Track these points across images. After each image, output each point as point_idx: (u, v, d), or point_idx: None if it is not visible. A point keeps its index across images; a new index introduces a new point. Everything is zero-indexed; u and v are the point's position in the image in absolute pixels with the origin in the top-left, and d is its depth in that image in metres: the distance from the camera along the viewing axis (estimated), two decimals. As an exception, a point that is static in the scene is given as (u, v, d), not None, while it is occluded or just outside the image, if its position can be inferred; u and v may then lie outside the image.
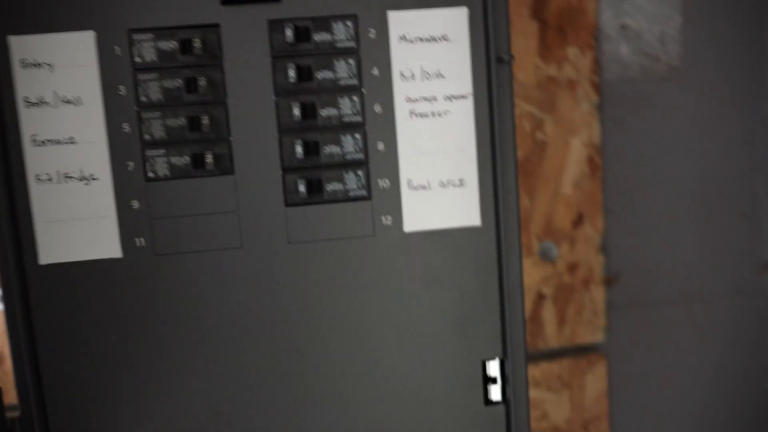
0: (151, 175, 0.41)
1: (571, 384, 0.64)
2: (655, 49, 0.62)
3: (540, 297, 0.62)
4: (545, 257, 0.62)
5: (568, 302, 0.63)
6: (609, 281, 0.64)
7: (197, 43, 0.40)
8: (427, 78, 0.42)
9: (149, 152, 0.40)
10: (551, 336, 0.62)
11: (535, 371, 0.62)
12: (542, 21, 0.59)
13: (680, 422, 0.69)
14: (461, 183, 0.44)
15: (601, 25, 0.61)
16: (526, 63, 0.59)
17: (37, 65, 0.42)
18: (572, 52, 0.60)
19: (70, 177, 0.42)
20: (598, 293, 0.63)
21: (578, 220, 0.62)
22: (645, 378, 0.67)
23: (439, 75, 0.42)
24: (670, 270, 0.65)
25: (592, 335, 0.63)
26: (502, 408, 0.46)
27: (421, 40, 0.41)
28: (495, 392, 0.47)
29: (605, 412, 0.65)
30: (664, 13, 0.61)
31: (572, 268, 0.62)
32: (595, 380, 0.64)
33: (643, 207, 0.64)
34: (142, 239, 0.41)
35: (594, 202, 0.62)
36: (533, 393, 0.62)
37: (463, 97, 0.42)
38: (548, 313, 0.62)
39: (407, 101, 0.42)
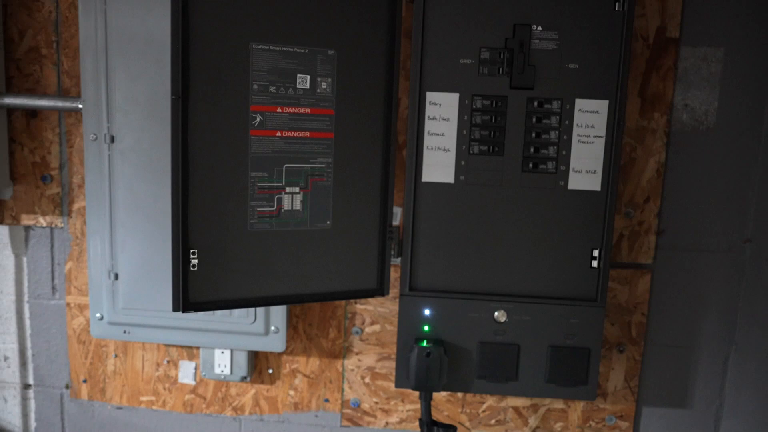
0: (472, 152, 1.05)
1: (631, 281, 1.25)
2: (701, 118, 1.21)
3: (621, 236, 1.24)
4: (627, 216, 1.23)
5: (636, 240, 1.24)
6: (659, 233, 1.24)
7: (497, 103, 1.03)
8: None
9: (471, 144, 1.04)
10: (624, 256, 1.24)
11: (612, 273, 1.24)
12: (642, 98, 1.20)
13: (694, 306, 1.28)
14: (595, 172, 1.05)
15: (674, 102, 1.21)
16: (631, 119, 1.20)
17: (433, 104, 1.06)
18: (656, 114, 1.20)
19: (438, 149, 1.06)
20: (652, 239, 1.23)
21: (647, 200, 1.22)
22: (670, 285, 1.27)
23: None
24: (691, 230, 1.24)
25: (645, 259, 1.24)
26: (597, 271, 1.08)
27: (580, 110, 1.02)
28: (594, 263, 1.08)
29: (647, 300, 1.26)
30: (708, 100, 1.20)
31: (640, 223, 1.23)
32: (644, 283, 1.25)
33: (681, 197, 1.23)
34: (462, 177, 1.06)
35: (656, 192, 1.22)
36: (610, 284, 1.24)
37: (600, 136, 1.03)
38: (624, 243, 1.24)
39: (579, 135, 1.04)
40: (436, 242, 1.09)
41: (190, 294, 0.96)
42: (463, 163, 1.07)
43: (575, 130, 1.06)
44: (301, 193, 1.01)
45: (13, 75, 1.28)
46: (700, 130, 1.22)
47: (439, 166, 1.07)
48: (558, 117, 1.05)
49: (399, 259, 1.11)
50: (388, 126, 1.06)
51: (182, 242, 0.94)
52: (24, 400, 1.44)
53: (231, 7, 0.92)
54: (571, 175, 1.07)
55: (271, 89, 0.96)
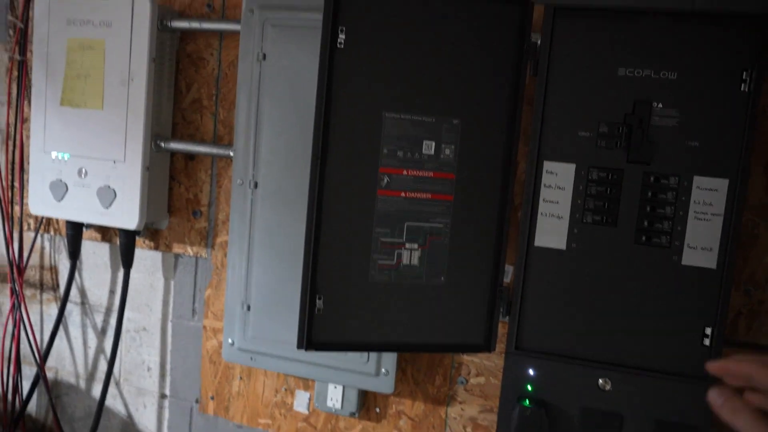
0: (586, 221, 1.08)
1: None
2: (835, 198, 1.17)
3: (739, 313, 1.21)
4: (746, 294, 1.20)
5: (755, 319, 1.21)
6: (781, 313, 1.20)
7: (613, 175, 1.06)
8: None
9: (585, 213, 1.08)
10: (741, 334, 1.21)
11: (728, 351, 1.21)
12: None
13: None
14: (711, 249, 1.05)
15: (805, 181, 1.18)
16: (756, 195, 1.18)
17: (550, 173, 1.11)
18: (784, 192, 1.18)
19: (552, 216, 1.11)
20: (773, 319, 1.20)
21: (769, 278, 1.20)
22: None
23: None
24: (821, 317, 1.19)
25: (765, 340, 1.21)
26: (708, 348, 1.07)
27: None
28: (706, 341, 1.07)
29: None
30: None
31: (760, 302, 1.20)
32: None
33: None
34: (574, 244, 1.09)
35: (780, 271, 1.19)
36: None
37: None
38: (742, 321, 1.21)
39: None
40: (545, 305, 1.13)
41: (314, 334, 1.07)
42: (575, 231, 1.11)
43: (692, 207, 1.07)
44: (420, 249, 1.09)
45: (178, 122, 1.47)
46: (832, 211, 1.18)
47: (552, 232, 1.11)
48: (675, 192, 1.07)
49: (507, 318, 1.16)
50: (505, 190, 1.13)
51: (310, 287, 1.05)
52: (160, 408, 1.61)
53: (369, 79, 1.04)
54: (686, 251, 1.07)
55: (399, 153, 1.06)
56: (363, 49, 1.02)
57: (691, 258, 1.07)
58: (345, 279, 1.07)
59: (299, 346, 1.06)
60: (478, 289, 1.14)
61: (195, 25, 1.36)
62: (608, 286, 1.11)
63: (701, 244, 1.07)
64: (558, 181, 1.11)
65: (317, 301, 1.06)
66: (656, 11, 1.06)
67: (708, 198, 1.06)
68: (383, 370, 1.31)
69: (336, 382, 1.36)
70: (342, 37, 1.00)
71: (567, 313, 1.13)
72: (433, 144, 1.07)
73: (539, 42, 1.11)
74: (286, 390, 1.48)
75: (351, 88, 1.03)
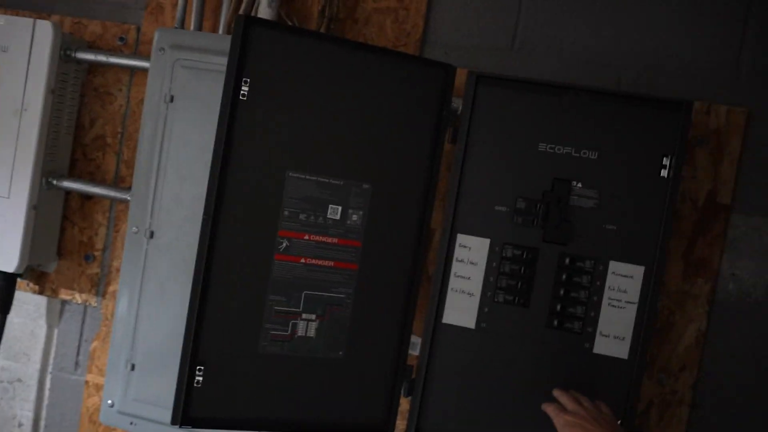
0: (497, 299, 1.02)
1: None
2: (749, 289, 1.15)
3: (651, 403, 1.16)
4: (660, 382, 1.16)
5: (666, 410, 1.16)
6: (693, 406, 1.16)
7: (528, 254, 1.01)
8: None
9: (497, 291, 1.02)
10: (652, 425, 1.16)
11: None
12: (686, 262, 1.15)
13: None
14: (624, 339, 1.00)
15: (720, 270, 1.15)
16: (673, 282, 1.15)
17: (463, 246, 1.04)
18: (700, 280, 1.15)
19: (462, 292, 1.04)
20: (685, 411, 1.16)
21: (682, 368, 1.16)
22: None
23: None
24: (729, 405, 1.15)
25: (676, 432, 1.16)
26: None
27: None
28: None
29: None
30: (758, 272, 1.14)
31: (673, 392, 1.16)
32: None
33: (719, 370, 1.16)
34: (483, 324, 1.03)
35: (694, 361, 1.15)
36: None
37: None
38: (654, 411, 1.17)
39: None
40: (450, 385, 1.06)
41: (192, 409, 0.96)
42: (486, 309, 1.04)
43: (607, 293, 1.02)
44: (318, 320, 1.01)
45: (78, 158, 1.36)
46: (747, 302, 1.15)
47: (461, 309, 1.05)
48: (590, 276, 1.02)
49: (410, 397, 1.07)
50: (416, 261, 1.06)
51: (191, 356, 0.95)
52: (29, 471, 1.45)
53: (273, 135, 0.96)
54: (598, 339, 1.02)
55: (302, 216, 0.98)
56: (268, 103, 0.95)
57: (602, 346, 1.02)
58: (232, 348, 0.97)
59: (173, 421, 0.95)
60: (380, 365, 1.06)
61: (101, 58, 1.26)
62: (517, 370, 1.04)
63: (614, 332, 1.02)
64: (471, 256, 1.05)
65: (197, 373, 0.95)
66: (581, 89, 1.03)
67: (623, 284, 1.02)
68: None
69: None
70: (245, 88, 0.92)
71: (473, 395, 1.05)
72: (340, 209, 1.00)
73: (459, 109, 1.06)
74: (171, 459, 1.34)
75: (253, 143, 0.95)
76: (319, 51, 0.97)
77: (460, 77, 1.08)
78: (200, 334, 0.95)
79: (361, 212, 1.01)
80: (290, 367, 1.00)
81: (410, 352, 1.11)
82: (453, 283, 1.05)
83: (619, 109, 1.03)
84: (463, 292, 1.05)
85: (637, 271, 1.01)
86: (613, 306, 1.02)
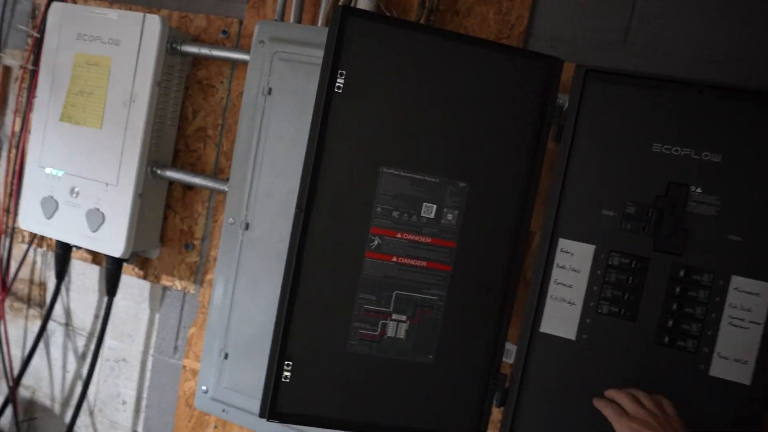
0: (601, 311, 0.94)
1: None
2: None
3: None
4: None
5: None
6: None
7: (637, 264, 0.92)
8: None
9: (601, 302, 0.94)
10: None
11: None
12: None
13: None
14: (746, 362, 0.90)
15: None
16: None
17: (565, 252, 0.98)
18: None
19: (563, 300, 0.97)
20: None
21: None
22: None
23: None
24: None
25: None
26: None
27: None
28: None
29: None
30: None
31: None
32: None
33: None
34: (585, 335, 0.95)
35: None
36: None
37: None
38: None
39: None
40: (545, 398, 0.99)
41: (279, 404, 0.95)
42: (588, 320, 0.97)
43: (727, 310, 0.92)
44: (408, 322, 0.97)
45: (180, 149, 1.39)
46: None
47: (561, 318, 0.98)
48: (708, 291, 0.92)
49: (502, 407, 1.02)
50: (512, 265, 1.00)
51: (279, 352, 0.94)
52: (129, 447, 1.51)
53: (368, 129, 0.93)
54: (715, 360, 0.92)
55: (394, 214, 0.95)
56: (364, 96, 0.92)
57: (720, 369, 0.92)
58: (320, 346, 0.95)
59: (261, 414, 0.95)
60: (472, 372, 1.01)
61: (205, 51, 1.28)
62: (620, 387, 0.96)
63: (734, 355, 0.92)
64: (573, 263, 0.98)
65: (285, 368, 0.94)
66: (704, 85, 0.93)
67: (747, 302, 0.91)
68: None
69: (311, 449, 1.24)
70: (341, 81, 0.90)
71: (570, 410, 0.98)
72: (435, 207, 0.96)
73: (566, 105, 0.99)
74: (259, 449, 1.36)
75: (347, 137, 0.92)
76: (418, 43, 0.93)
77: (567, 72, 1.01)
78: (289, 330, 0.94)
79: (456, 212, 0.96)
80: (378, 368, 0.97)
81: (504, 359, 1.06)
82: (553, 290, 0.98)
83: (747, 108, 0.92)
84: (563, 300, 0.98)
85: (765, 288, 0.90)
86: (735, 325, 0.92)
